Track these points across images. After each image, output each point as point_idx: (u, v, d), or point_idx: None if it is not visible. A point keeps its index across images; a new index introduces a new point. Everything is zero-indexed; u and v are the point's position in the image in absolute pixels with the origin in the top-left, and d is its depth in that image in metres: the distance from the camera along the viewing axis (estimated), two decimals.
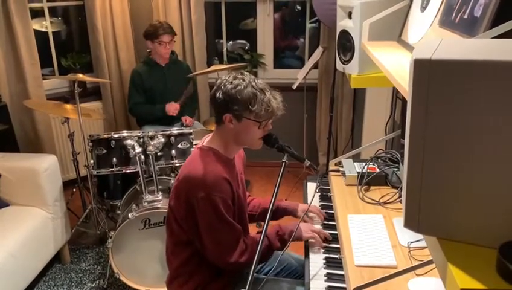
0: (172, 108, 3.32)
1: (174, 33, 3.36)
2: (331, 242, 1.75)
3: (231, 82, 1.56)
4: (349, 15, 1.89)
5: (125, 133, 2.73)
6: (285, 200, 3.57)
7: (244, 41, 4.39)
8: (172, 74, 3.44)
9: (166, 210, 1.75)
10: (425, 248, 1.53)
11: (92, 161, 2.76)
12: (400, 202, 1.87)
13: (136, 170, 2.65)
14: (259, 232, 1.48)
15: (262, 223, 1.52)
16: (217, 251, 1.61)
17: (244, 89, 1.54)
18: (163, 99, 3.38)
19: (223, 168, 1.59)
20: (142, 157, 2.52)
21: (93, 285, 2.72)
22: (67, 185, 3.34)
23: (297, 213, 1.92)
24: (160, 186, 2.57)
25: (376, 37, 1.68)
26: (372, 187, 2.02)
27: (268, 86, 1.62)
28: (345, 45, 1.95)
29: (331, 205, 1.98)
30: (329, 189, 2.14)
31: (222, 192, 1.55)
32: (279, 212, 1.95)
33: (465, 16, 1.03)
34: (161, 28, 3.27)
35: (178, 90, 3.41)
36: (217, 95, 1.57)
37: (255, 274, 1.32)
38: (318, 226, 1.86)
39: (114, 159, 2.71)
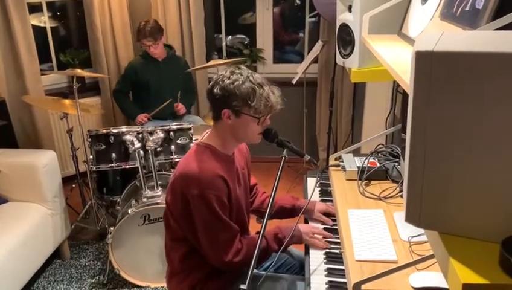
0: (140, 118, 3.37)
1: (157, 36, 3.28)
2: (332, 237, 1.75)
3: (229, 77, 1.53)
4: (349, 8, 1.88)
5: (124, 129, 2.72)
6: (287, 192, 3.57)
7: (243, 36, 4.37)
8: (169, 69, 3.43)
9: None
10: (426, 242, 1.53)
11: (91, 157, 2.75)
12: (401, 196, 1.86)
13: (136, 166, 2.64)
14: (258, 232, 1.46)
15: (262, 219, 1.51)
16: (212, 249, 1.59)
17: (242, 84, 1.51)
18: (158, 94, 3.39)
19: (219, 165, 1.57)
20: (142, 152, 2.51)
21: (93, 281, 2.72)
22: (66, 180, 3.33)
23: (313, 215, 1.88)
24: (159, 182, 2.57)
25: (376, 31, 1.66)
26: (372, 182, 2.01)
27: (266, 80, 1.59)
28: (345, 38, 1.93)
29: (332, 200, 1.97)
30: (329, 184, 2.13)
31: (216, 189, 1.53)
32: (295, 212, 1.89)
33: (467, 8, 1.01)
34: (142, 31, 3.25)
35: (174, 86, 3.39)
36: (215, 90, 1.54)
37: (254, 270, 1.31)
38: (320, 226, 1.85)
39: (113, 155, 2.70)
